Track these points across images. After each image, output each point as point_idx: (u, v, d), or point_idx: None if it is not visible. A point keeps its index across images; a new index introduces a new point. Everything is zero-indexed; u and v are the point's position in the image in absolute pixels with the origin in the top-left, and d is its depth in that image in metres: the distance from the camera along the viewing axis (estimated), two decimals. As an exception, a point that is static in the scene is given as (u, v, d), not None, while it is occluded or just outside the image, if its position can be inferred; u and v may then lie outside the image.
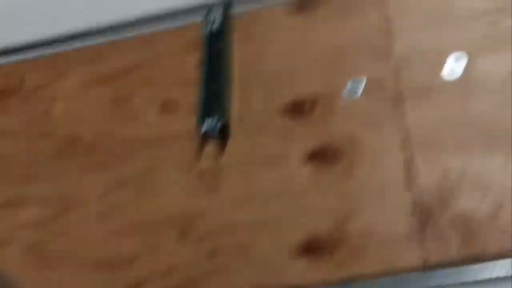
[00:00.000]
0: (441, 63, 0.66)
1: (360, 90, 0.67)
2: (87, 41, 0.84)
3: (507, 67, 0.64)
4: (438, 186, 0.58)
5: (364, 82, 0.68)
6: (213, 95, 0.73)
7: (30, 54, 0.84)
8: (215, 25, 0.80)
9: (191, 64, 0.77)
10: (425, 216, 0.57)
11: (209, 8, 0.80)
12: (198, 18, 0.81)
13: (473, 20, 0.68)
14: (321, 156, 0.64)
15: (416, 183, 0.59)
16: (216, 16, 0.80)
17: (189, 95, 0.74)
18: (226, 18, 0.80)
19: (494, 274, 0.55)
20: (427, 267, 0.56)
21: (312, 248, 0.59)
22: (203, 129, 0.70)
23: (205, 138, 0.70)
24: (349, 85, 0.68)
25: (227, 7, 0.81)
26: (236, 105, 0.71)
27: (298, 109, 0.68)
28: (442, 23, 0.69)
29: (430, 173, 0.59)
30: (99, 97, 0.78)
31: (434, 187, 0.58)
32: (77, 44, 0.85)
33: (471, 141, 0.60)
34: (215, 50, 0.77)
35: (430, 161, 0.60)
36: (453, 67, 0.65)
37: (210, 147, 0.69)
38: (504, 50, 0.65)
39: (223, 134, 0.70)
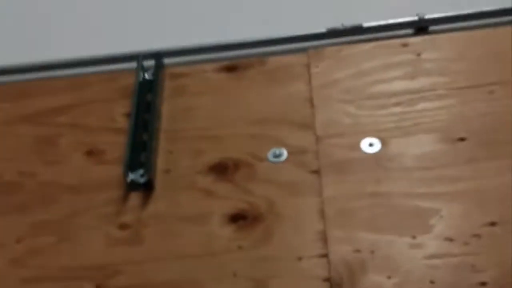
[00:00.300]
0: (358, 140, 0.71)
1: (283, 158, 0.71)
2: (14, 77, 0.85)
3: (419, 149, 0.69)
4: (349, 261, 0.62)
5: (287, 150, 0.71)
6: (140, 146, 0.74)
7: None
8: (147, 75, 0.81)
9: (120, 112, 0.78)
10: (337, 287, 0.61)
11: (142, 57, 0.82)
12: (131, 66, 0.82)
13: (391, 100, 0.74)
14: (242, 218, 0.67)
15: (330, 255, 0.63)
16: (149, 66, 0.82)
17: (116, 144, 0.75)
18: (158, 68, 0.82)
19: None
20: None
21: (227, 312, 0.62)
22: (128, 180, 0.71)
23: (129, 189, 0.71)
24: (272, 152, 0.72)
25: (160, 57, 0.83)
26: (162, 159, 0.73)
27: (222, 170, 0.71)
28: (361, 100, 0.74)
29: (343, 247, 0.63)
30: (23, 136, 0.78)
31: (346, 261, 0.62)
32: (3, 79, 0.84)
33: (382, 220, 0.64)
34: (145, 100, 0.79)
35: (343, 235, 0.64)
36: (368, 148, 0.70)
37: (134, 200, 0.70)
38: (418, 132, 0.71)
39: (147, 187, 0.71)
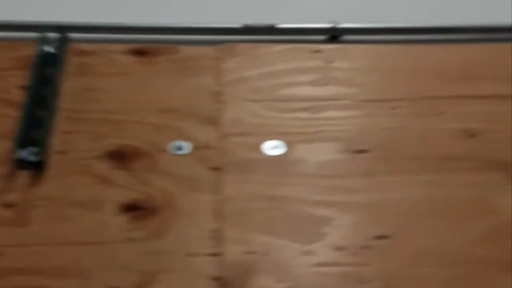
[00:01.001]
0: (262, 141, 0.70)
1: (185, 151, 0.70)
2: None
3: (320, 157, 0.70)
4: (241, 262, 0.62)
5: (190, 144, 0.70)
6: (35, 123, 0.70)
7: None
8: (50, 48, 0.77)
9: (16, 84, 0.74)
10: (226, 287, 0.61)
11: (46, 28, 0.78)
12: (34, 36, 0.78)
13: (298, 105, 0.74)
14: (137, 209, 0.65)
15: (222, 254, 0.62)
16: (53, 38, 0.78)
17: (8, 117, 0.71)
18: (62, 42, 0.78)
19: None
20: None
21: (111, 304, 0.60)
22: (18, 157, 0.67)
23: (18, 168, 0.67)
24: (175, 144, 0.70)
25: (65, 31, 0.79)
26: (58, 139, 0.70)
27: (120, 157, 0.69)
28: (268, 101, 0.74)
29: (236, 247, 0.63)
30: None
31: (237, 262, 0.62)
32: None
33: (277, 224, 0.65)
34: (45, 74, 0.75)
35: (238, 235, 0.64)
36: (271, 150, 0.70)
37: (23, 179, 0.67)
38: (321, 140, 0.71)
39: (39, 167, 0.68)
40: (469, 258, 0.63)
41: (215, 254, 0.63)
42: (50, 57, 0.76)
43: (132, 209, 0.65)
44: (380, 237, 0.65)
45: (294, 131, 0.72)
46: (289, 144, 0.71)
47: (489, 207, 0.66)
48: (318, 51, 0.79)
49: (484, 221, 0.65)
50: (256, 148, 0.70)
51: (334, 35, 0.83)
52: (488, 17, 0.83)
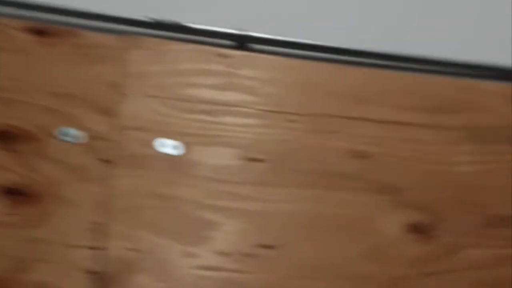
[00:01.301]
0: (159, 139, 0.69)
1: (78, 140, 0.67)
2: None
3: (216, 161, 0.70)
4: (122, 258, 0.60)
5: (83, 133, 0.68)
6: None
7: None
8: None
9: None
10: (103, 282, 0.59)
11: None
12: None
13: (199, 107, 0.73)
14: (17, 193, 0.62)
15: (103, 248, 0.61)
16: None
17: None
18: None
19: None
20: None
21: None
22: None
23: None
24: (67, 131, 0.67)
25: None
26: None
27: (7, 138, 0.65)
28: (170, 100, 0.73)
29: (119, 243, 0.61)
30: None
31: (118, 258, 0.60)
32: None
33: (165, 223, 0.64)
34: None
35: (122, 231, 0.62)
36: (167, 148, 0.69)
37: None
38: (219, 144, 0.71)
39: None
40: (350, 274, 0.65)
41: (95, 248, 0.61)
42: None
43: (12, 193, 0.62)
44: (264, 246, 0.65)
45: (192, 133, 0.71)
46: (185, 145, 0.70)
47: (371, 227, 0.69)
48: (224, 56, 0.79)
49: (365, 240, 0.67)
50: (152, 144, 0.69)
51: (242, 42, 0.83)
52: (400, 45, 0.85)
